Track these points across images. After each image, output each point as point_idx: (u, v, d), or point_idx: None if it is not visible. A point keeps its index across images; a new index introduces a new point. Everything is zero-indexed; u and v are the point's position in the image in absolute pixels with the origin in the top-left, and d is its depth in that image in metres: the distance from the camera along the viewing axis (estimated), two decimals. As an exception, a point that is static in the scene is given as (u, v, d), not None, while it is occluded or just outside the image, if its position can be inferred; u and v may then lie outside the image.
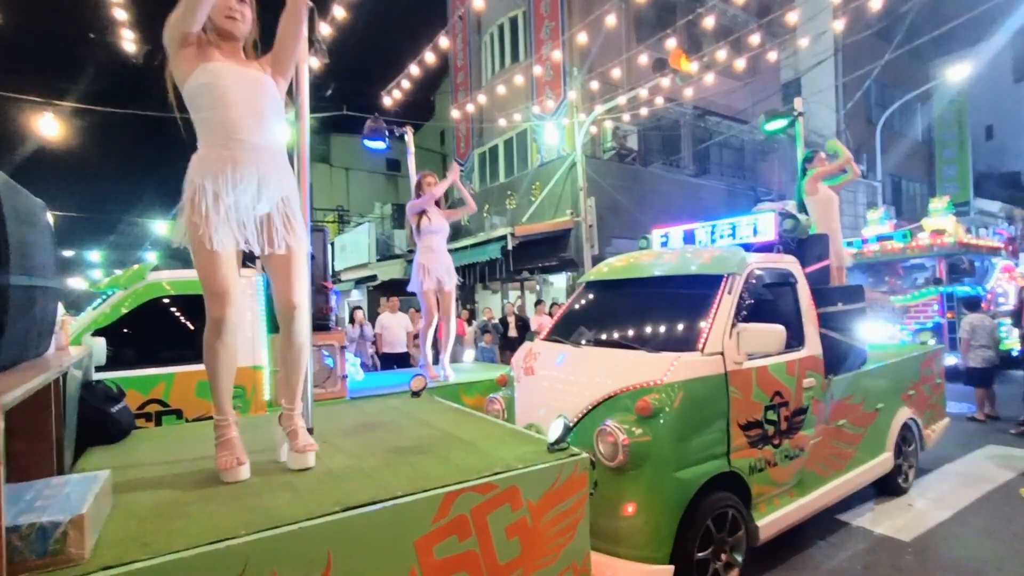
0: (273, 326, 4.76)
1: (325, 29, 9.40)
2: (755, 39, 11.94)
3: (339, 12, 9.62)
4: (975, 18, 11.06)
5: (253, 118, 2.36)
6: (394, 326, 10.57)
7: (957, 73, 16.71)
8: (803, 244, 4.75)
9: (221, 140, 2.30)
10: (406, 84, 12.86)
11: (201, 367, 2.34)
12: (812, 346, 4.31)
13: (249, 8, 2.47)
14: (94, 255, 37.47)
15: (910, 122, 28.07)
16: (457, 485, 2.06)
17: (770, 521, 3.81)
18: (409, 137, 6.78)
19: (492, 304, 16.97)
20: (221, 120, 2.31)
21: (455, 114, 17.61)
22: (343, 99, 18.32)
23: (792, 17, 11.76)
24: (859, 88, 21.24)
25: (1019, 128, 31.96)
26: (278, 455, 2.52)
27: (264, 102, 2.42)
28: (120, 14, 8.60)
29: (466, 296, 19.08)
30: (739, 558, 3.60)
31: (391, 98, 13.29)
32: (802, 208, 5.77)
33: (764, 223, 4.90)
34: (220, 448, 2.30)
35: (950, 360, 9.95)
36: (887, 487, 5.26)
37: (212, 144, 2.31)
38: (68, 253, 34.69)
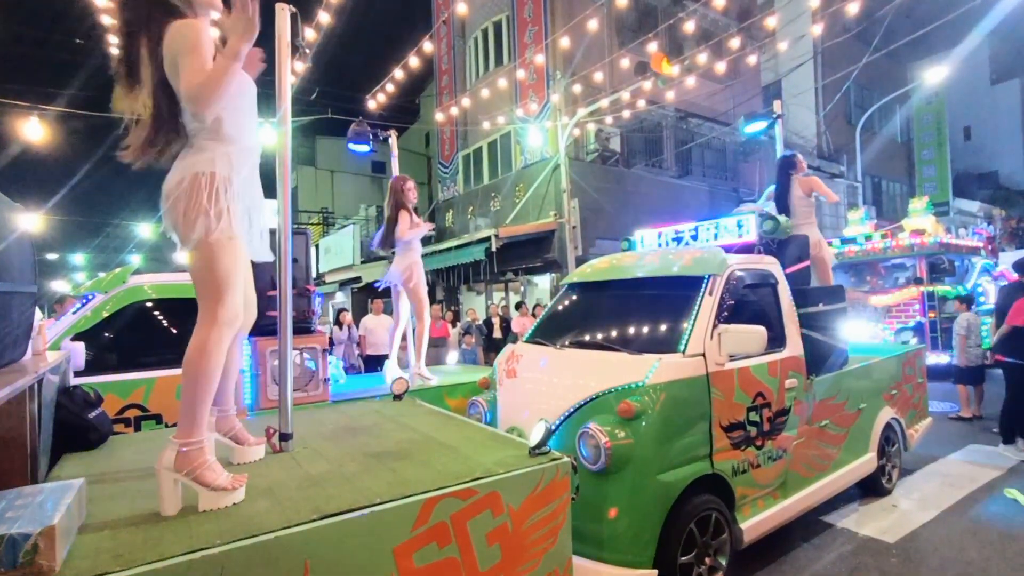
0: (252, 330, 4.73)
1: (310, 34, 9.35)
2: (735, 43, 12.04)
3: (324, 17, 9.57)
4: (952, 21, 11.20)
5: (253, 122, 2.36)
6: (378, 328, 10.54)
7: (935, 75, 16.99)
8: (783, 245, 4.77)
9: (235, 141, 2.21)
10: (391, 87, 12.82)
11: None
12: (793, 346, 4.31)
13: None
14: (78, 258, 37.15)
15: (889, 123, 28.47)
16: (437, 491, 2.04)
17: (754, 523, 3.78)
18: (393, 140, 6.77)
19: (476, 305, 16.97)
20: (233, 124, 2.22)
21: (439, 117, 17.62)
22: (328, 102, 18.29)
23: (771, 21, 11.87)
24: (839, 90, 21.51)
25: (996, 129, 32.62)
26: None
27: (254, 106, 2.41)
28: (107, 20, 8.52)
29: (450, 297, 19.08)
30: (723, 562, 3.57)
31: (376, 101, 13.25)
32: (782, 210, 5.80)
33: (746, 224, 4.91)
34: (206, 472, 1.99)
35: (932, 358, 10.05)
36: (871, 488, 5.26)
37: (227, 143, 2.17)
38: (52, 256, 34.43)
